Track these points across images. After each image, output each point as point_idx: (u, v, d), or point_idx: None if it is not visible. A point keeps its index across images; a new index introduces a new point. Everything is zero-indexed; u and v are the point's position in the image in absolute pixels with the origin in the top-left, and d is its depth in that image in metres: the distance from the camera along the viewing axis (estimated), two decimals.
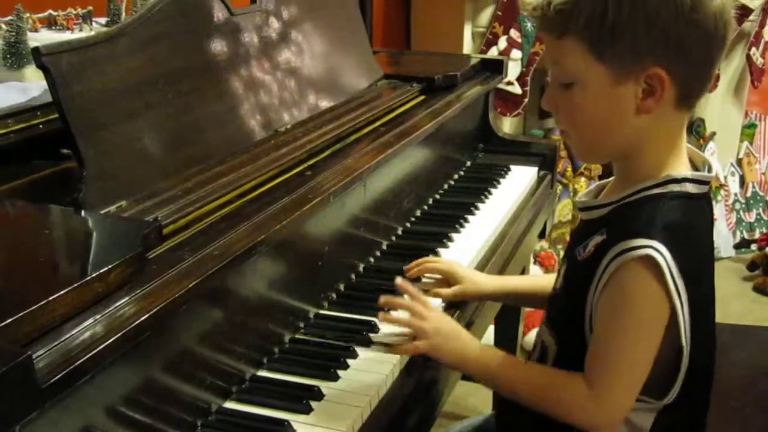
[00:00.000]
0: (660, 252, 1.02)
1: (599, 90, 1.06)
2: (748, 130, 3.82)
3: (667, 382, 1.10)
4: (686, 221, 1.07)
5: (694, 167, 1.14)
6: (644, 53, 1.02)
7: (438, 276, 1.44)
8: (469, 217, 1.75)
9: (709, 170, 1.13)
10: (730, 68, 3.51)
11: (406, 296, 1.28)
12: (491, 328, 2.30)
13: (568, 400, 1.10)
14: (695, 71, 1.05)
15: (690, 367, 1.08)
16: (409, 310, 1.24)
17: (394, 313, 1.27)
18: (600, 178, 3.10)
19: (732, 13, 1.04)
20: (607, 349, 1.07)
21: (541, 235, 2.18)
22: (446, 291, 1.41)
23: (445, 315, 1.29)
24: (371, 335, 1.26)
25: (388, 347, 1.24)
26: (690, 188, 1.09)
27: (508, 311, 2.15)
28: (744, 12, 3.29)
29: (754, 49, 3.43)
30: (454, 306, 1.40)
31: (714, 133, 3.58)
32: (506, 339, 2.32)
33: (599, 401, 1.07)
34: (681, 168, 1.10)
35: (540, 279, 1.41)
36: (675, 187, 1.08)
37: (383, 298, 1.27)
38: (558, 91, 1.10)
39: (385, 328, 1.28)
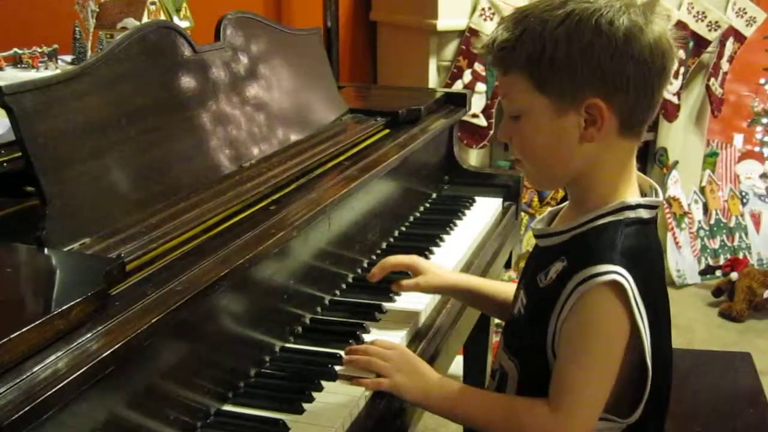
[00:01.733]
0: (624, 276, 1.06)
1: (543, 121, 1.11)
2: (711, 159, 3.89)
3: (633, 401, 1.13)
4: (643, 246, 1.12)
5: (642, 192, 1.18)
6: (582, 86, 1.08)
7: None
8: (435, 249, 1.77)
9: (657, 194, 1.17)
10: (690, 98, 3.58)
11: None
12: (459, 358, 2.30)
13: (531, 426, 1.12)
14: (635, 101, 1.09)
15: (651, 386, 1.11)
16: (369, 354, 1.26)
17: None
18: None
19: (672, 42, 1.10)
20: (571, 374, 1.09)
21: (507, 266, 2.20)
22: (407, 282, 1.45)
23: (408, 352, 1.30)
24: (336, 368, 1.27)
25: (352, 381, 1.24)
26: (643, 213, 1.13)
27: (477, 339, 2.16)
28: (702, 44, 3.37)
29: (713, 79, 3.50)
30: (418, 338, 1.42)
31: (677, 162, 3.64)
32: (475, 369, 2.33)
33: (564, 424, 1.09)
34: (632, 193, 1.15)
35: (503, 286, 1.44)
36: (630, 214, 1.12)
37: (345, 357, 1.29)
38: (510, 123, 1.16)
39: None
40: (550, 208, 1.28)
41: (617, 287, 1.06)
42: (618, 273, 1.06)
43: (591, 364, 1.09)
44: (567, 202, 1.23)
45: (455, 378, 1.85)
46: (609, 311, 1.07)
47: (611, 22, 1.05)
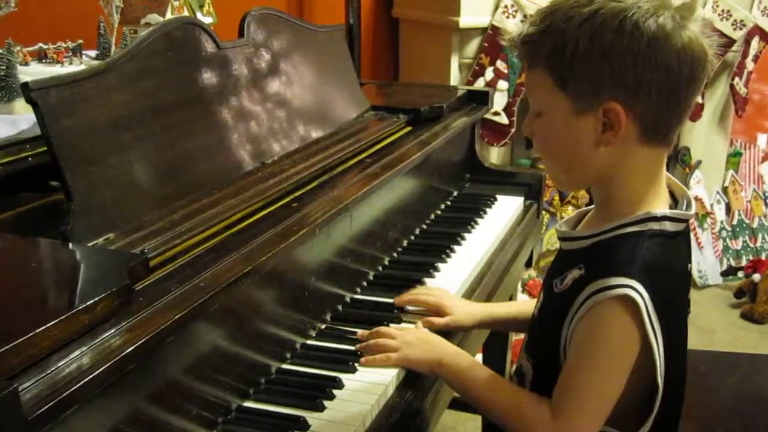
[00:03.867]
0: (638, 291, 1.03)
1: (562, 120, 1.09)
2: (734, 159, 3.85)
3: (639, 417, 1.11)
4: (664, 261, 1.08)
5: (674, 200, 1.15)
6: (601, 88, 1.05)
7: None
8: (456, 247, 1.77)
9: (688, 206, 1.14)
10: (714, 98, 3.55)
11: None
12: (479, 357, 2.30)
13: (530, 424, 1.11)
14: (658, 108, 1.06)
15: (661, 404, 1.09)
16: (378, 336, 1.30)
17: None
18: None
19: (704, 49, 1.05)
20: (575, 383, 1.08)
21: (528, 264, 2.19)
22: (439, 321, 1.41)
23: (420, 329, 1.32)
24: (357, 365, 1.27)
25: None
26: (668, 226, 1.09)
27: (496, 340, 2.16)
28: (727, 42, 3.34)
29: (737, 78, 3.47)
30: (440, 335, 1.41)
31: (700, 162, 3.61)
32: (495, 368, 2.30)
33: (562, 430, 1.08)
34: (660, 204, 1.11)
35: (525, 304, 1.42)
36: (654, 225, 1.09)
37: (358, 346, 1.32)
38: (533, 119, 1.14)
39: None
40: (579, 209, 1.26)
41: (630, 303, 1.03)
42: (632, 288, 1.03)
43: (594, 376, 1.07)
44: (593, 207, 1.21)
45: None
46: (618, 326, 1.05)
47: (637, 25, 1.01)
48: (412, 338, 1.28)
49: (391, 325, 1.39)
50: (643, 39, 1.02)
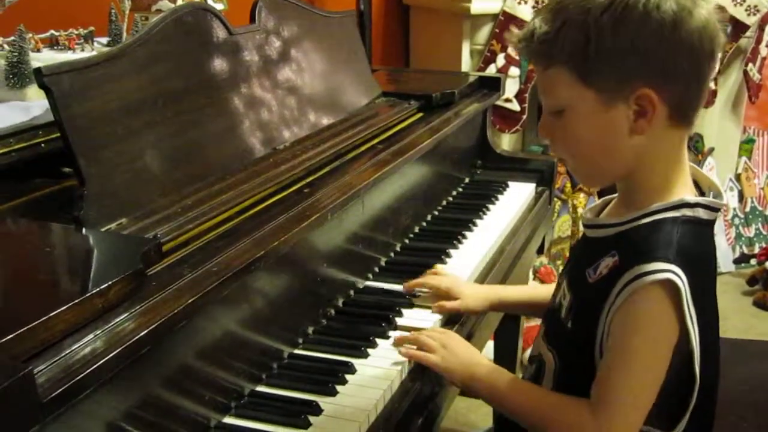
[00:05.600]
0: (679, 276, 1.02)
1: (590, 114, 1.07)
2: (747, 146, 3.82)
3: (677, 412, 1.09)
4: (699, 248, 1.07)
5: (699, 191, 1.13)
6: (631, 76, 1.03)
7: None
8: (468, 234, 1.76)
9: (716, 196, 1.12)
10: (727, 84, 3.53)
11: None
12: (490, 344, 2.30)
13: (572, 426, 1.09)
14: (685, 88, 1.05)
15: (696, 399, 1.07)
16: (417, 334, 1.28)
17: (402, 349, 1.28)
18: (599, 194, 3.10)
19: (718, 25, 1.05)
20: (616, 375, 1.05)
21: (540, 251, 2.19)
22: (451, 304, 1.40)
23: (455, 335, 1.29)
24: (370, 350, 1.27)
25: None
26: (702, 214, 1.08)
27: (508, 326, 2.16)
28: (740, 28, 3.31)
29: (751, 64, 3.45)
30: (452, 321, 1.41)
31: (712, 149, 3.59)
32: (506, 354, 2.33)
33: (604, 426, 1.05)
34: (688, 190, 1.10)
35: (538, 290, 1.41)
36: (687, 212, 1.07)
37: (396, 339, 1.30)
38: (551, 119, 1.11)
39: (385, 344, 1.30)
40: (603, 198, 1.23)
41: (671, 287, 1.02)
42: (673, 272, 1.01)
43: (636, 367, 1.04)
44: (616, 194, 1.18)
45: None
46: (659, 312, 1.02)
47: (659, 7, 1.01)
48: (453, 345, 1.25)
49: (404, 311, 1.40)
50: (667, 21, 1.01)
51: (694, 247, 1.06)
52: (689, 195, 1.09)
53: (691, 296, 1.02)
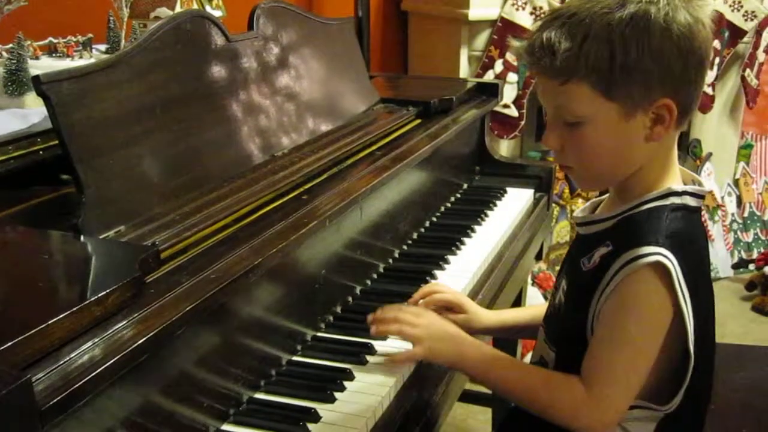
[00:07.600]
0: (669, 258, 1.05)
1: (610, 126, 1.09)
2: (745, 151, 3.83)
3: (672, 388, 1.12)
4: (688, 232, 1.11)
5: (684, 183, 1.17)
6: (653, 87, 1.06)
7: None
8: (466, 240, 1.77)
9: (700, 186, 1.16)
10: (725, 89, 3.53)
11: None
12: None
13: (563, 401, 1.11)
14: (692, 93, 1.10)
15: (692, 376, 1.10)
16: (398, 322, 1.25)
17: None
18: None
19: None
20: (607, 352, 1.09)
21: (538, 257, 2.19)
22: (454, 317, 1.39)
23: (438, 317, 1.29)
24: (368, 357, 1.27)
25: (386, 359, 1.25)
26: (689, 201, 1.13)
27: None
28: (738, 33, 3.32)
29: (748, 70, 3.46)
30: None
31: (710, 154, 3.60)
32: None
33: (595, 403, 1.09)
34: (676, 181, 1.14)
35: (537, 308, 1.41)
36: (676, 200, 1.12)
37: (370, 316, 1.29)
38: (564, 131, 1.12)
39: (382, 349, 1.29)
40: (591, 200, 1.27)
41: (662, 269, 1.05)
42: (662, 255, 1.05)
43: (626, 344, 1.08)
44: (608, 194, 1.23)
45: None
46: (651, 293, 1.06)
47: (676, 20, 1.04)
48: (435, 330, 1.24)
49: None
50: (684, 34, 1.04)
51: (683, 230, 1.10)
52: (676, 184, 1.13)
53: (683, 277, 1.06)
